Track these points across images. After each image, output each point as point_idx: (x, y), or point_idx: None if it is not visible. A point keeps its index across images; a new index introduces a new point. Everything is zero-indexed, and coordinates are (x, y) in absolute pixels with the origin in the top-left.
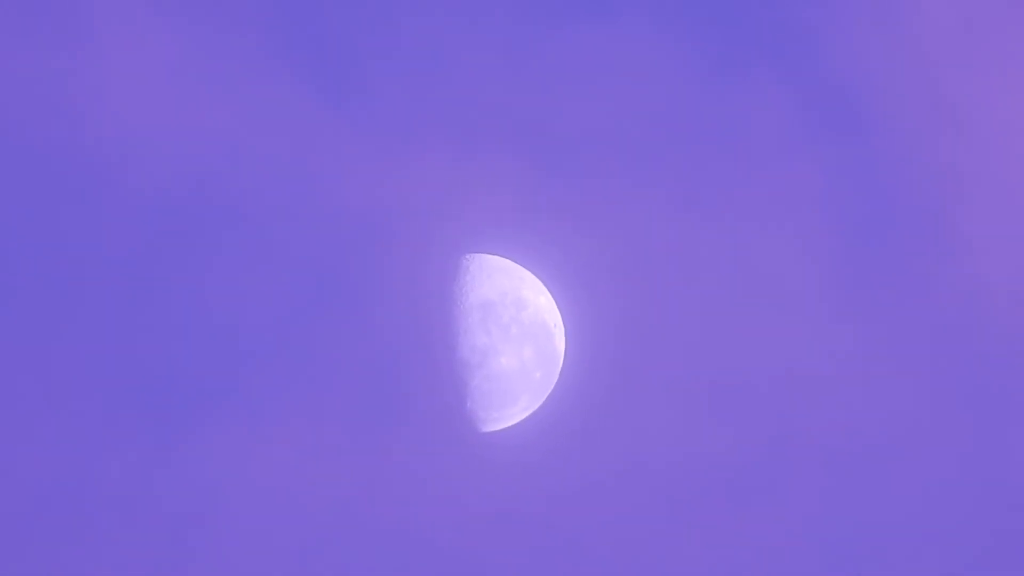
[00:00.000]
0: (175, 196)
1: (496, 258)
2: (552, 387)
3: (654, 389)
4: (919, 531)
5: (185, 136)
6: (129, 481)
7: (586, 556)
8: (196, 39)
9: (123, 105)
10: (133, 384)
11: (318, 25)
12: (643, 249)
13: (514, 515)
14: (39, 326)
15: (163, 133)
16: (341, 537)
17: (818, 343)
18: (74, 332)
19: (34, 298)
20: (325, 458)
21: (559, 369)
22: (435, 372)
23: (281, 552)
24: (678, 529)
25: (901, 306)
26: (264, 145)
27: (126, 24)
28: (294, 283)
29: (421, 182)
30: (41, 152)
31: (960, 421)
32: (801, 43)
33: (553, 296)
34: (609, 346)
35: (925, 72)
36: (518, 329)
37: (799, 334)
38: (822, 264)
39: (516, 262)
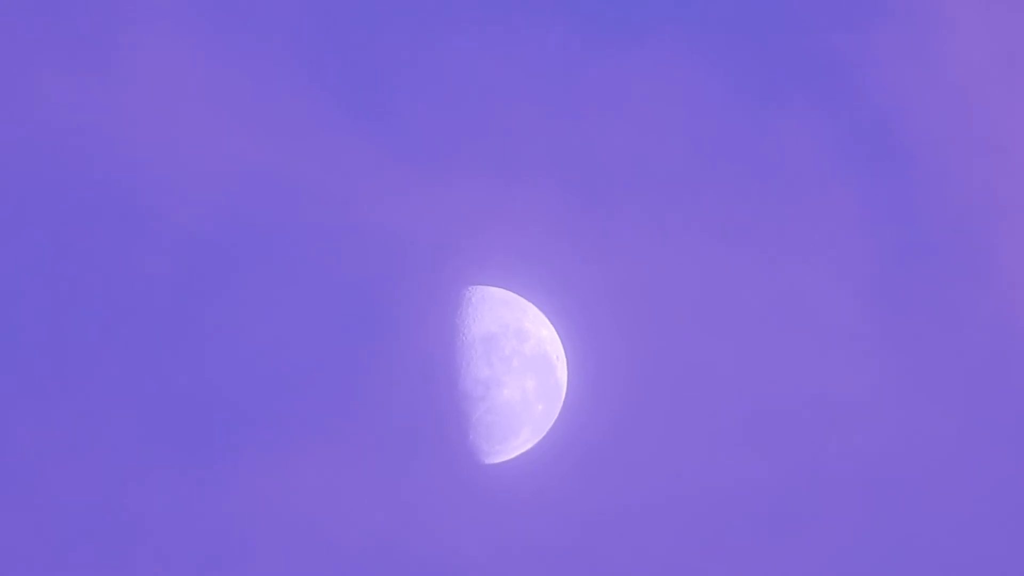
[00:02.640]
0: (202, 223)
1: (498, 290)
2: (554, 419)
3: (658, 422)
4: (954, 566)
5: (213, 161)
6: (147, 516)
7: None
8: (228, 64)
9: (152, 131)
10: (154, 417)
11: (351, 50)
12: (649, 279)
13: (517, 548)
14: (68, 357)
15: (193, 161)
16: (343, 569)
17: (850, 375)
18: (104, 362)
19: (61, 327)
20: (326, 491)
21: (561, 401)
22: (437, 404)
23: None
24: (684, 566)
25: (939, 337)
26: (280, 173)
27: (156, 50)
28: (295, 314)
29: (427, 212)
30: (70, 181)
31: (997, 453)
32: (839, 72)
33: (555, 328)
34: (612, 378)
35: (964, 103)
36: (520, 361)
37: (826, 366)
38: (857, 296)
39: (519, 294)
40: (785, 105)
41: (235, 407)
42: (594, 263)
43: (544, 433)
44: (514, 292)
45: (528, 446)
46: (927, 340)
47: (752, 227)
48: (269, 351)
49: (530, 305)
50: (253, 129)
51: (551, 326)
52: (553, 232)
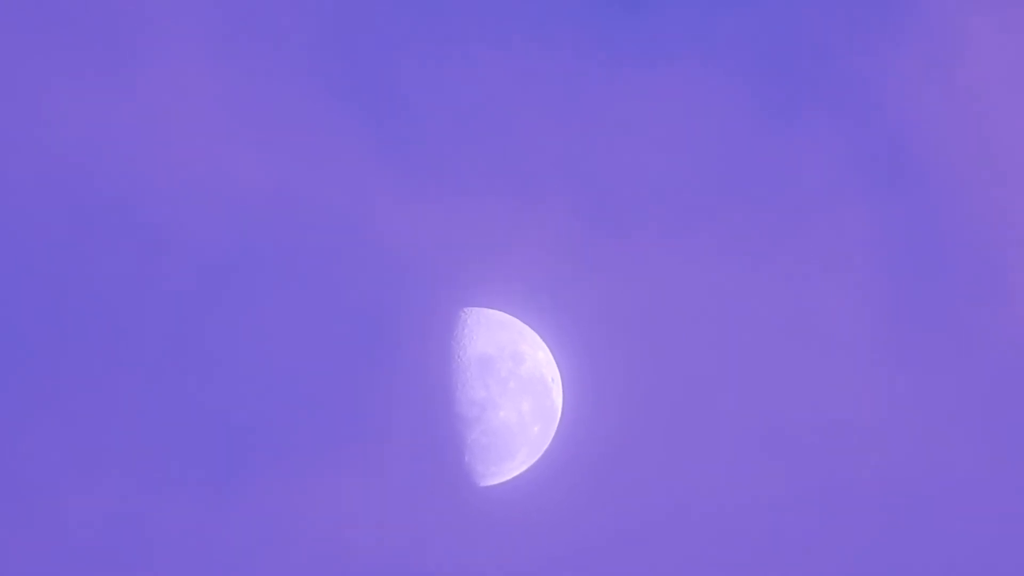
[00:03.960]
0: (210, 236)
1: (495, 312)
2: (550, 441)
3: (655, 443)
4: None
5: (220, 173)
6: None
7: None
8: (247, 83)
9: (161, 140)
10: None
11: (365, 63)
12: (648, 300)
13: (512, 571)
14: (79, 371)
15: (199, 172)
16: None
17: (862, 392)
18: (114, 375)
19: (70, 341)
20: (319, 511)
21: (557, 423)
22: (433, 426)
23: None
24: None
25: (952, 354)
26: (286, 188)
27: (167, 60)
28: (293, 334)
29: (425, 231)
30: (79, 190)
31: (1010, 470)
32: (855, 91)
33: (551, 350)
34: (607, 400)
35: (979, 121)
36: (516, 383)
37: (836, 383)
38: (870, 312)
39: (515, 316)
40: (800, 124)
41: (236, 428)
42: (591, 285)
43: (540, 454)
44: (510, 314)
45: (524, 468)
46: (940, 357)
47: (763, 244)
48: (267, 370)
49: (526, 327)
50: (262, 141)
51: (547, 348)
52: (551, 254)
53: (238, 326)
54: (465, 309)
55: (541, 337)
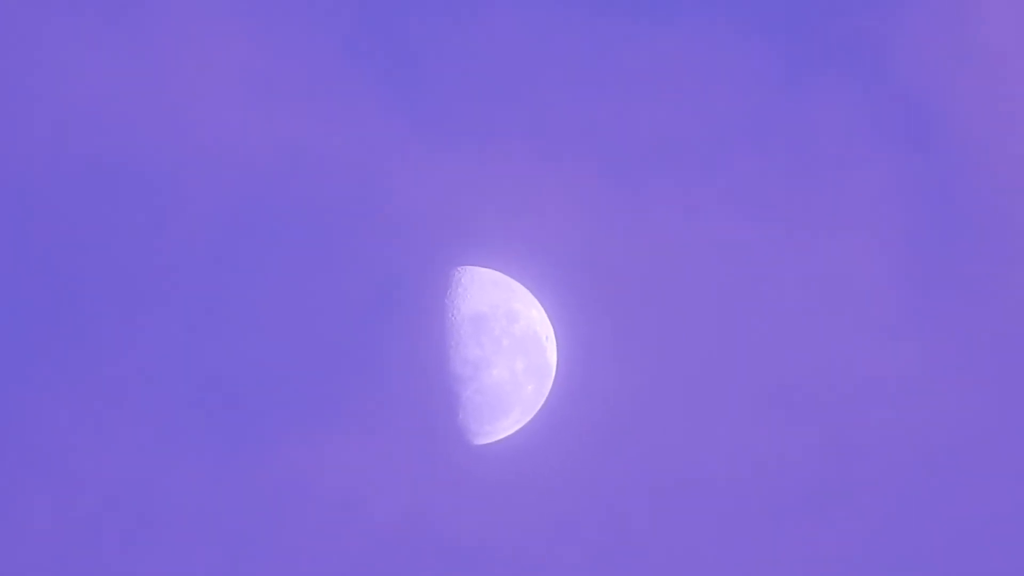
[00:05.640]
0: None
1: (488, 271)
2: (544, 400)
3: (650, 401)
4: (984, 541)
5: (238, 131)
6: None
7: (576, 571)
8: (271, 43)
9: (192, 105)
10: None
11: (389, 34)
12: (643, 260)
13: (505, 528)
14: (105, 336)
15: (230, 135)
16: (333, 547)
17: (879, 350)
18: (138, 341)
19: (93, 308)
20: (315, 469)
21: (551, 382)
22: (426, 385)
23: (273, 558)
24: (673, 544)
25: (969, 311)
26: (290, 146)
27: (198, 25)
28: (296, 289)
29: (418, 190)
30: (105, 152)
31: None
32: (871, 51)
33: (545, 309)
34: (602, 358)
35: (994, 81)
36: (510, 342)
37: (852, 341)
38: (888, 271)
39: (508, 275)
40: (817, 82)
41: (241, 385)
42: (587, 243)
43: (534, 413)
44: (504, 273)
45: (518, 426)
46: (957, 314)
47: (777, 201)
48: (269, 328)
49: (520, 285)
50: (272, 94)
51: (540, 306)
52: (545, 212)
53: (245, 286)
54: (459, 268)
55: (535, 295)
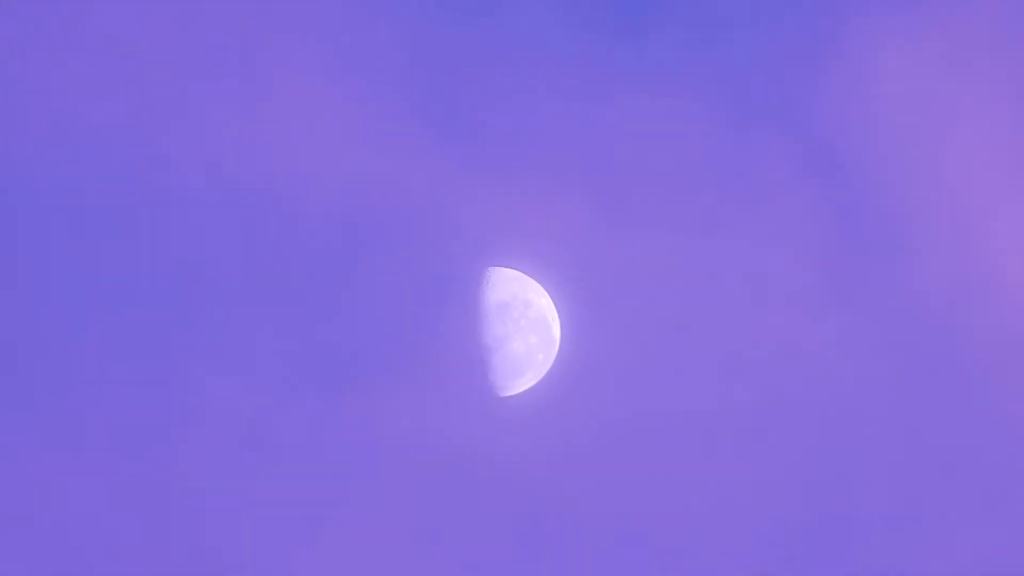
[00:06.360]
0: (320, 220)
1: (510, 270)
2: (551, 365)
3: (631, 367)
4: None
5: (328, 172)
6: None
7: (577, 483)
8: (344, 92)
9: (288, 142)
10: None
11: (442, 83)
12: (630, 265)
13: (524, 455)
14: (246, 320)
15: (330, 167)
16: (401, 469)
17: (801, 324)
18: (276, 327)
19: (233, 298)
20: (389, 413)
21: (556, 352)
22: (466, 353)
23: (358, 480)
24: (659, 471)
25: (869, 298)
26: (383, 175)
27: (302, 83)
28: (379, 284)
29: (463, 212)
30: (216, 181)
31: (912, 392)
32: (797, 107)
33: (552, 299)
34: (593, 334)
35: (887, 128)
36: (526, 323)
37: (780, 318)
38: (809, 268)
39: (525, 273)
40: (757, 132)
41: (342, 357)
42: (584, 251)
43: (543, 375)
44: (522, 272)
45: (531, 384)
46: (860, 300)
47: (727, 220)
48: (362, 313)
49: (533, 281)
50: (364, 143)
51: (549, 297)
52: (554, 228)
53: (347, 282)
54: (489, 268)
55: (544, 288)
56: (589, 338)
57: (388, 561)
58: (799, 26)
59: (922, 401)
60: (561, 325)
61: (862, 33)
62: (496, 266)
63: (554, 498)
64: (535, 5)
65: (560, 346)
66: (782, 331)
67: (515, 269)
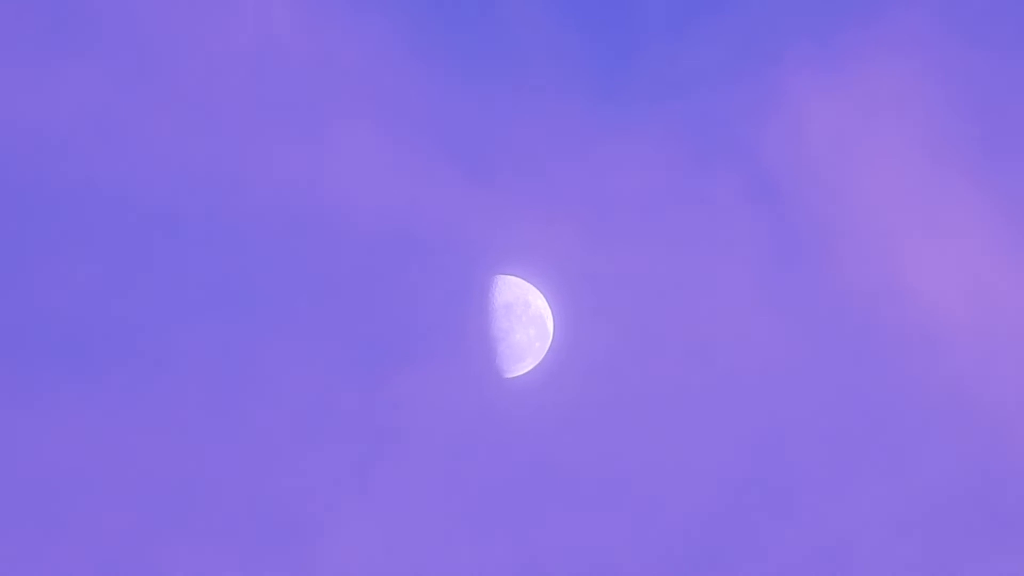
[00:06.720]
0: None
1: (513, 277)
2: (545, 352)
3: (614, 356)
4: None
5: (366, 205)
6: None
7: (575, 456)
8: (389, 137)
9: (335, 176)
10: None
11: (466, 132)
12: (612, 271)
13: (524, 429)
14: (276, 309)
15: (368, 196)
16: (423, 441)
17: (748, 332)
18: (315, 322)
19: (261, 300)
20: (410, 394)
21: (550, 342)
22: (476, 343)
23: (385, 450)
24: (640, 436)
25: (802, 304)
26: (409, 205)
27: (347, 127)
28: (404, 288)
29: (476, 226)
30: (272, 208)
31: (829, 366)
32: (744, 150)
33: (548, 300)
34: (581, 328)
35: (822, 165)
36: (526, 318)
37: (731, 329)
38: (753, 276)
39: (526, 280)
40: (711, 172)
41: (373, 344)
42: (575, 262)
43: (539, 360)
44: (523, 279)
45: (530, 368)
46: (793, 301)
47: (685, 238)
48: (390, 311)
49: (531, 286)
50: (403, 176)
51: (544, 298)
52: (549, 244)
53: (380, 284)
54: (496, 275)
55: (541, 291)
56: (577, 331)
57: (422, 504)
58: (746, 83)
59: (842, 376)
60: (554, 321)
61: (797, 89)
62: (503, 274)
63: (549, 460)
64: (539, 75)
65: (553, 337)
66: (731, 322)
67: (518, 276)
